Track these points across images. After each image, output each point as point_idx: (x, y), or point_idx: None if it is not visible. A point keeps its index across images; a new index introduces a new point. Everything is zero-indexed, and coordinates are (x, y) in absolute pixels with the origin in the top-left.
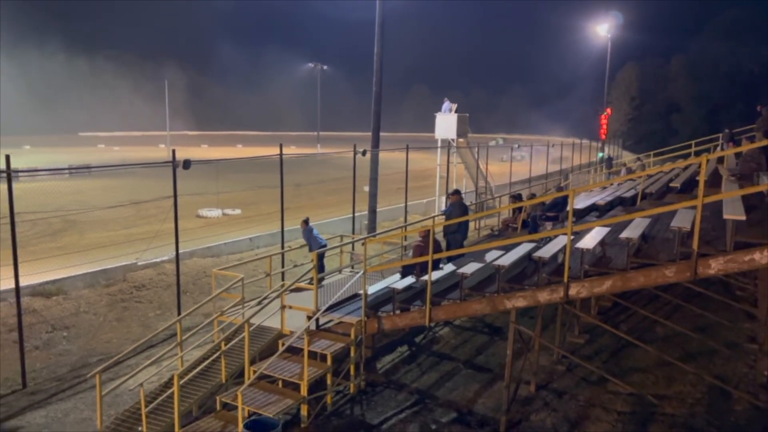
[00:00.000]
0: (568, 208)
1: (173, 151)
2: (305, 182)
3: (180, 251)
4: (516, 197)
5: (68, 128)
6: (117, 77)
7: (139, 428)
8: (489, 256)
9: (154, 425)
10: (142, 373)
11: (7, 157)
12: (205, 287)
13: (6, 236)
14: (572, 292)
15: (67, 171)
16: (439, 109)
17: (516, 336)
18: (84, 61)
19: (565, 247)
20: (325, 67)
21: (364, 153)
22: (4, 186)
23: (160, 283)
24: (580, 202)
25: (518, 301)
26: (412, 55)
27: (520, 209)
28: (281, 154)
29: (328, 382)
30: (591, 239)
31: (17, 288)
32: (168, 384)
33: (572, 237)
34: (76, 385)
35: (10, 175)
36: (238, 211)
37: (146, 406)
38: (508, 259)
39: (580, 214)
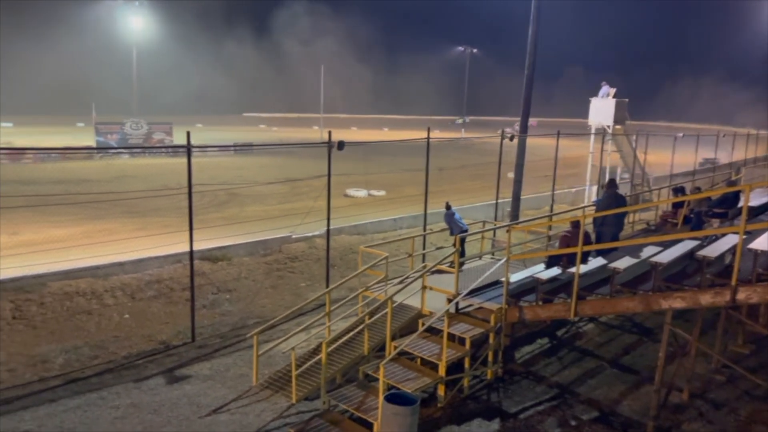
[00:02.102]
0: (741, 204)
1: (329, 133)
2: (448, 167)
3: (330, 227)
4: (678, 190)
5: (234, 109)
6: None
7: (289, 388)
8: (644, 252)
9: (303, 387)
10: (293, 338)
11: (188, 134)
12: (351, 263)
13: (182, 205)
14: (740, 296)
15: (232, 148)
16: (595, 94)
17: (670, 339)
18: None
19: (734, 246)
20: (474, 51)
21: (511, 138)
22: (184, 160)
23: (311, 256)
24: (754, 199)
25: (675, 302)
26: (566, 34)
27: (681, 203)
28: (428, 138)
29: (466, 365)
30: (767, 240)
31: (191, 252)
32: (316, 350)
33: (744, 237)
34: (236, 343)
35: (189, 150)
36: (382, 193)
37: (296, 369)
38: (666, 256)
39: (754, 213)
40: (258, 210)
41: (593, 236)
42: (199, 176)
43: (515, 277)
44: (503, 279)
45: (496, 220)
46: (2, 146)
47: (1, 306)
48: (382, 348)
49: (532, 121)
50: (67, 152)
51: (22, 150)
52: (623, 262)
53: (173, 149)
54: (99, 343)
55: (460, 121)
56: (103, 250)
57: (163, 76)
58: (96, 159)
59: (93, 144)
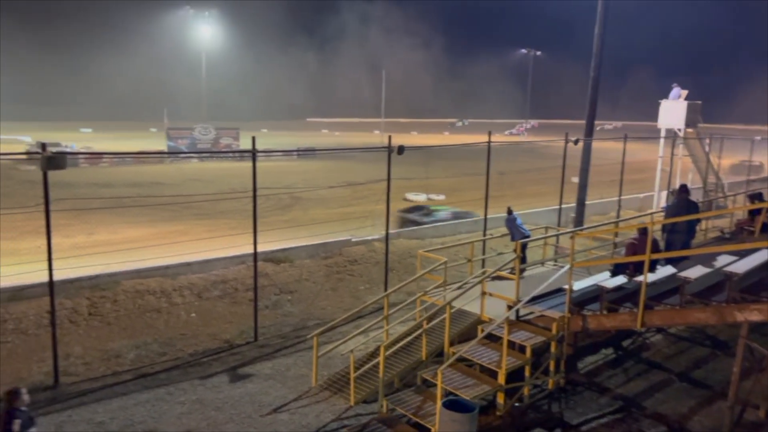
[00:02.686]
0: None
1: (389, 138)
2: (509, 171)
3: (389, 231)
4: (755, 197)
5: (298, 114)
6: (340, 66)
7: (347, 390)
8: (718, 261)
9: (361, 390)
10: (352, 341)
11: (253, 139)
12: (410, 267)
13: (248, 208)
14: None
15: (295, 153)
16: (665, 96)
17: (746, 353)
18: (318, 52)
19: None
20: (538, 53)
21: (576, 142)
22: (250, 164)
23: (370, 260)
24: None
25: (752, 315)
26: (634, 35)
27: (758, 210)
28: (489, 142)
29: (526, 374)
30: None
31: (255, 254)
32: (374, 354)
33: None
34: (296, 343)
35: (254, 154)
36: (441, 197)
37: (354, 372)
38: (742, 265)
39: None
40: (320, 213)
41: (662, 244)
42: (264, 180)
43: (579, 285)
44: (566, 287)
45: (559, 225)
46: (82, 150)
47: (78, 302)
48: (440, 353)
49: (534, 122)
50: (140, 156)
51: (100, 154)
52: (695, 271)
53: (239, 154)
54: (167, 341)
55: (459, 123)
56: (173, 250)
57: (231, 83)
58: (167, 163)
59: (165, 148)
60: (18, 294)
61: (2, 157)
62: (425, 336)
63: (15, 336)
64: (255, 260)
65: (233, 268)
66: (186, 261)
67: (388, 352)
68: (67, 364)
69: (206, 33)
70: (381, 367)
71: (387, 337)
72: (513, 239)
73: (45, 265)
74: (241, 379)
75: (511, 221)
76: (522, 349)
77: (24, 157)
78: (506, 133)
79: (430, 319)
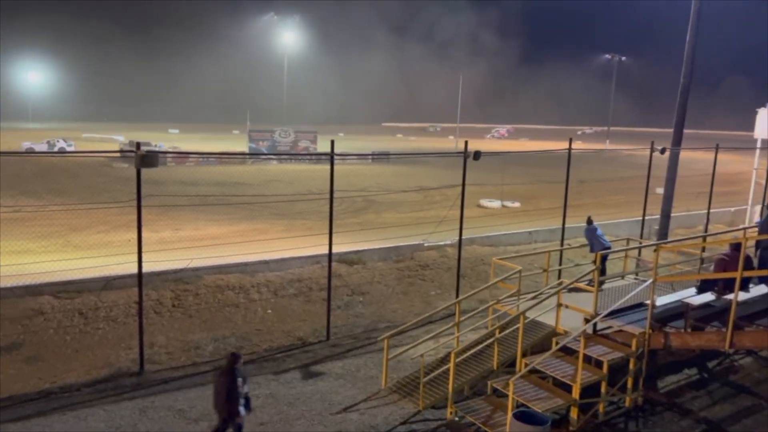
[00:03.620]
0: None
1: (465, 143)
2: (590, 179)
3: (462, 237)
4: None
5: (374, 119)
6: (417, 71)
7: (416, 395)
8: None
9: (430, 395)
10: (422, 345)
11: (332, 143)
12: (482, 274)
13: (323, 209)
14: None
15: (370, 157)
16: (763, 104)
17: None
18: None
19: None
20: (623, 59)
21: (663, 151)
22: (326, 166)
23: (442, 265)
24: None
25: None
26: (727, 40)
27: None
28: (569, 149)
29: (602, 390)
30: None
31: (330, 255)
32: (444, 360)
33: None
34: (367, 345)
35: (332, 158)
36: (517, 204)
37: (424, 376)
38: None
39: None
40: (392, 217)
41: (755, 261)
42: (339, 183)
43: (662, 301)
44: (648, 302)
45: (641, 238)
46: (170, 150)
47: (163, 294)
48: (512, 364)
49: (508, 128)
50: (223, 157)
51: (187, 154)
52: None
53: (316, 156)
54: (244, 335)
55: (432, 129)
56: (252, 248)
57: (310, 88)
58: (249, 164)
59: (246, 150)
60: (110, 284)
61: (99, 154)
62: (497, 345)
63: (106, 323)
64: (329, 261)
65: (308, 268)
66: (264, 259)
67: (458, 359)
68: (152, 352)
69: (289, 38)
70: (451, 373)
71: (458, 343)
72: (592, 250)
73: (134, 257)
74: (313, 377)
75: (590, 231)
76: (598, 363)
77: (118, 155)
78: (487, 137)
79: (502, 328)
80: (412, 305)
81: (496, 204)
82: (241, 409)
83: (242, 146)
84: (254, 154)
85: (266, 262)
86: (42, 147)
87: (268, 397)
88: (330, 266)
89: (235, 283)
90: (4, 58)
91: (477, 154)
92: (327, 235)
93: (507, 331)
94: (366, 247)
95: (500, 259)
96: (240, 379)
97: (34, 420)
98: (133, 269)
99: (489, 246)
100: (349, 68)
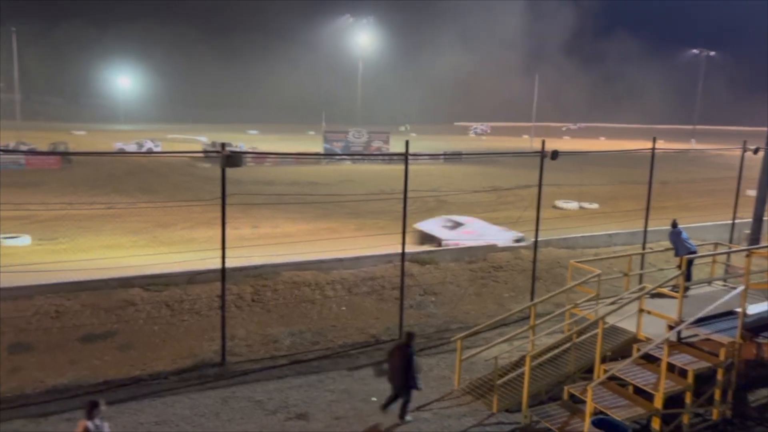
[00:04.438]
0: None
1: (542, 142)
2: (673, 180)
3: (537, 239)
4: None
5: (446, 118)
6: (489, 69)
7: (490, 397)
8: None
9: (504, 398)
10: (496, 347)
11: (406, 143)
12: (558, 277)
13: (395, 209)
14: None
15: (442, 157)
16: None
17: None
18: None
19: None
20: (711, 54)
21: (756, 151)
22: (398, 166)
23: (516, 267)
24: None
25: None
26: None
27: None
28: (653, 149)
29: (687, 400)
30: None
31: (403, 254)
32: (519, 363)
33: None
34: (439, 345)
35: (407, 158)
36: (595, 205)
37: (498, 379)
38: None
39: None
40: None
41: None
42: (411, 182)
43: (754, 309)
44: (738, 310)
45: (731, 242)
46: (249, 150)
47: (243, 289)
48: (589, 370)
49: (487, 125)
50: (299, 157)
51: (265, 154)
52: None
53: (388, 156)
54: (319, 330)
55: (402, 128)
56: (326, 246)
57: (384, 88)
58: (323, 164)
59: (321, 150)
60: (194, 278)
61: (184, 155)
62: (574, 350)
63: (190, 315)
64: (402, 260)
65: (381, 266)
66: (338, 257)
67: (533, 363)
68: (232, 344)
69: (363, 40)
70: (526, 377)
71: (533, 347)
72: (677, 254)
73: (215, 253)
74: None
75: (675, 235)
76: (683, 373)
77: (202, 155)
78: (471, 134)
79: (580, 333)
80: (485, 307)
81: (573, 205)
82: (419, 382)
83: (317, 147)
84: (329, 155)
85: (340, 260)
86: (132, 147)
87: (343, 392)
88: (403, 265)
89: (311, 279)
90: (101, 66)
91: (555, 154)
92: (399, 235)
93: (585, 336)
94: (439, 247)
95: (578, 262)
96: (414, 356)
97: (127, 404)
98: (214, 264)
99: (566, 248)
100: (422, 68)
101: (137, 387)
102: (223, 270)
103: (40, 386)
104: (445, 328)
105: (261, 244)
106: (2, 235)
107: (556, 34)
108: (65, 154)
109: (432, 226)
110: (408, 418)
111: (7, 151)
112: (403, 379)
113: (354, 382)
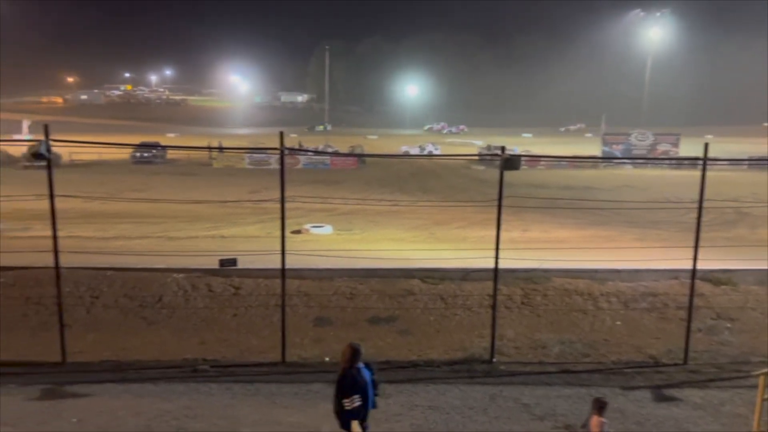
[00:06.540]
0: None
1: None
2: None
3: None
4: None
5: (753, 118)
6: None
7: None
8: None
9: None
10: None
11: (705, 146)
12: None
13: (681, 219)
14: None
15: (746, 162)
16: None
17: None
18: None
19: None
20: None
21: None
22: (686, 172)
23: None
24: None
25: None
26: None
27: None
28: None
29: None
30: None
31: (693, 270)
32: None
33: None
34: (734, 378)
35: (705, 163)
36: None
37: None
38: None
39: None
40: None
41: None
42: (706, 191)
43: None
44: None
45: None
46: (523, 153)
47: (513, 291)
48: None
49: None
50: (574, 161)
51: (539, 157)
52: None
53: (677, 161)
54: (590, 343)
55: (709, 137)
56: (600, 255)
57: (676, 87)
58: (601, 168)
59: (599, 154)
60: (467, 275)
61: (461, 157)
62: None
63: (462, 311)
64: (693, 277)
65: (663, 282)
66: (615, 268)
67: None
68: (501, 344)
69: (655, 35)
70: None
71: None
72: None
73: (486, 253)
74: (666, 401)
75: None
76: None
77: (477, 158)
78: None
79: None
80: None
81: None
82: None
83: (594, 150)
84: (605, 159)
85: (617, 271)
86: (415, 150)
87: (616, 411)
88: (693, 283)
89: (583, 288)
90: (393, 76)
91: None
92: (686, 249)
93: None
94: (737, 267)
95: None
96: None
97: (404, 385)
98: (485, 263)
99: None
100: (723, 64)
101: (414, 371)
102: (496, 270)
103: (337, 357)
104: (744, 360)
105: (531, 248)
106: (311, 224)
107: None
108: (361, 156)
109: None
110: None
111: (317, 153)
112: None
113: (629, 403)
